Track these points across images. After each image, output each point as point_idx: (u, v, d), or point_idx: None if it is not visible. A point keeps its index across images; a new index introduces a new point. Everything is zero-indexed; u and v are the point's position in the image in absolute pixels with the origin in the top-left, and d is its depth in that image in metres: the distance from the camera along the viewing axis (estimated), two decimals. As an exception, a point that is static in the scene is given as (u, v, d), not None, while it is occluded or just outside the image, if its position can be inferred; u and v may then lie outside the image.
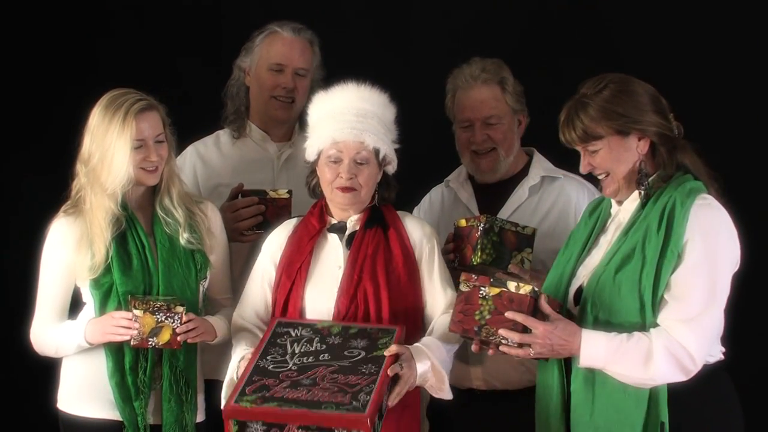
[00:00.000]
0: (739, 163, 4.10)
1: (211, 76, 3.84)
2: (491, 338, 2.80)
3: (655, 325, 2.75)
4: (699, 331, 2.72)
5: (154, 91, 3.23)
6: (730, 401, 2.86)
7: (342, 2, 4.43)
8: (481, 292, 2.82)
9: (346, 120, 3.10)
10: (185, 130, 3.44)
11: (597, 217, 2.97)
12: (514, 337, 2.75)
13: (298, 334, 2.99)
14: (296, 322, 3.04)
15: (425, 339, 3.04)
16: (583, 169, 2.91)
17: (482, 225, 3.22)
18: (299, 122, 3.72)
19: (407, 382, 2.92)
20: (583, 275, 2.89)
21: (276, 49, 3.68)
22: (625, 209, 2.92)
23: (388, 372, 2.87)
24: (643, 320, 2.75)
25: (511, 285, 2.81)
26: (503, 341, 2.78)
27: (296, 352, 2.95)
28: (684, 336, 2.71)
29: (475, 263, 3.22)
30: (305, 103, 3.57)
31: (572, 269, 2.91)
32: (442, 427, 3.37)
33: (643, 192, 2.86)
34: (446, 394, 3.03)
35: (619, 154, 2.86)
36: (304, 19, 3.81)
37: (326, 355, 2.93)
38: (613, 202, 2.96)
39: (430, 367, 2.96)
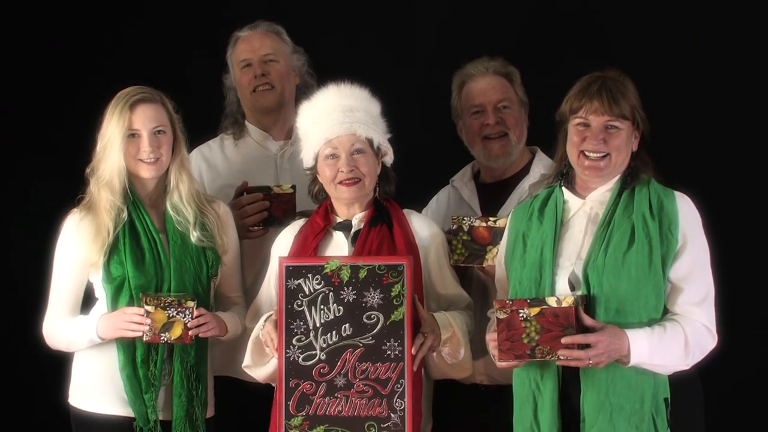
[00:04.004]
0: (735, 161, 4.18)
1: (218, 76, 3.89)
2: (547, 357, 2.83)
3: (667, 310, 2.91)
4: (710, 310, 2.93)
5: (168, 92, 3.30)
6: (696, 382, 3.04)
7: (344, 4, 4.47)
8: (520, 314, 2.83)
9: (334, 118, 3.16)
10: (194, 131, 3.50)
11: (554, 214, 3.03)
12: (580, 355, 2.80)
13: (311, 288, 3.06)
14: (302, 265, 3.09)
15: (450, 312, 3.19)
16: (594, 144, 2.94)
17: (452, 227, 3.30)
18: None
19: (429, 346, 3.06)
20: (567, 265, 2.96)
21: (240, 49, 3.77)
22: (595, 201, 3.01)
23: (412, 352, 3.01)
24: (655, 297, 2.88)
25: (551, 300, 2.83)
26: (561, 357, 2.82)
27: (317, 324, 3.04)
28: (703, 317, 2.90)
29: (452, 263, 3.31)
30: (291, 89, 3.73)
31: (551, 261, 2.96)
32: (446, 422, 3.42)
33: (619, 185, 2.99)
34: (461, 363, 3.16)
35: (627, 141, 2.99)
36: (310, 22, 3.86)
37: (347, 325, 3.03)
38: (568, 197, 3.04)
39: (451, 335, 3.10)
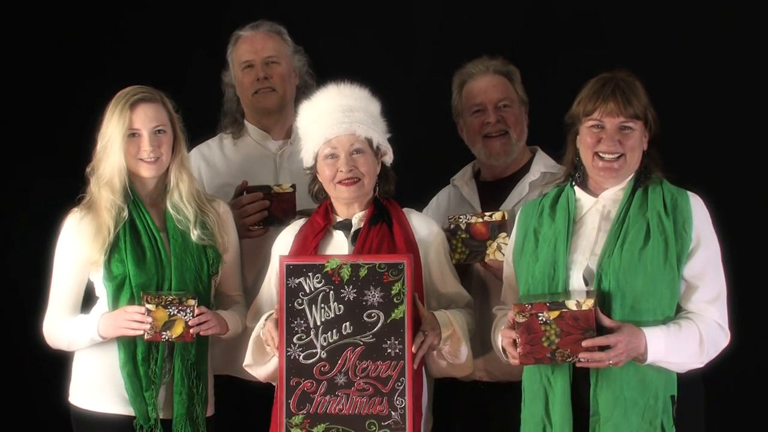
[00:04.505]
0: (735, 161, 4.18)
1: (218, 76, 3.90)
2: (568, 359, 2.84)
3: (680, 308, 2.95)
4: (723, 308, 2.97)
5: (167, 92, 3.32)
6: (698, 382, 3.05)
7: (344, 4, 4.48)
8: (540, 318, 2.84)
9: (334, 117, 3.18)
10: (194, 131, 3.51)
11: (566, 211, 3.06)
12: (601, 357, 2.82)
13: (312, 287, 3.07)
14: (303, 264, 3.10)
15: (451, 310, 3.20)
16: (609, 145, 2.98)
17: (450, 227, 3.32)
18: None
19: (429, 344, 3.07)
20: (581, 260, 2.98)
21: (242, 49, 3.77)
22: (608, 200, 3.05)
23: (413, 350, 3.03)
24: (670, 293, 2.91)
25: (571, 304, 2.83)
26: (582, 359, 2.84)
27: (318, 322, 3.06)
28: (716, 315, 2.94)
29: (454, 262, 3.33)
30: (291, 90, 3.74)
31: (565, 256, 2.98)
32: (447, 419, 3.44)
33: (632, 184, 3.02)
34: (461, 361, 3.17)
35: (640, 140, 3.03)
36: (310, 21, 3.86)
37: (347, 324, 3.04)
38: (581, 195, 3.08)
39: (451, 333, 3.11)
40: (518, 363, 2.91)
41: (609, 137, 2.98)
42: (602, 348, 2.82)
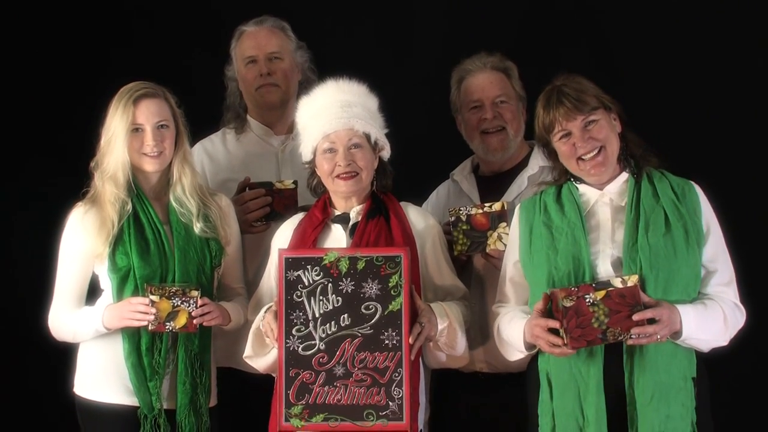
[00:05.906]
0: (733, 159, 4.20)
1: (220, 73, 3.93)
2: (619, 338, 2.88)
3: (700, 293, 3.02)
4: (736, 289, 3.07)
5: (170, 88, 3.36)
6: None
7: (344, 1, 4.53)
8: (587, 300, 2.87)
9: (332, 112, 3.22)
10: (197, 126, 3.55)
11: (574, 204, 3.10)
12: (654, 330, 2.87)
13: (311, 280, 3.11)
14: (302, 257, 3.13)
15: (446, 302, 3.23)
16: (584, 146, 3.04)
17: (451, 219, 3.36)
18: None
19: (426, 335, 3.11)
20: (605, 250, 3.02)
21: (245, 45, 3.80)
22: (614, 193, 3.10)
23: (410, 341, 3.06)
24: (695, 277, 3.00)
25: (616, 282, 2.88)
26: (633, 336, 2.88)
27: (316, 314, 3.09)
28: (733, 296, 3.05)
29: (456, 254, 3.38)
30: (294, 86, 3.77)
31: (587, 248, 3.02)
32: (447, 410, 3.48)
33: (629, 169, 3.09)
34: (458, 352, 3.21)
35: (611, 127, 3.08)
36: (310, 18, 3.87)
37: (345, 315, 3.08)
38: (584, 189, 3.12)
39: (447, 325, 3.14)
40: (568, 349, 2.90)
41: (580, 139, 3.04)
42: (649, 323, 2.88)
